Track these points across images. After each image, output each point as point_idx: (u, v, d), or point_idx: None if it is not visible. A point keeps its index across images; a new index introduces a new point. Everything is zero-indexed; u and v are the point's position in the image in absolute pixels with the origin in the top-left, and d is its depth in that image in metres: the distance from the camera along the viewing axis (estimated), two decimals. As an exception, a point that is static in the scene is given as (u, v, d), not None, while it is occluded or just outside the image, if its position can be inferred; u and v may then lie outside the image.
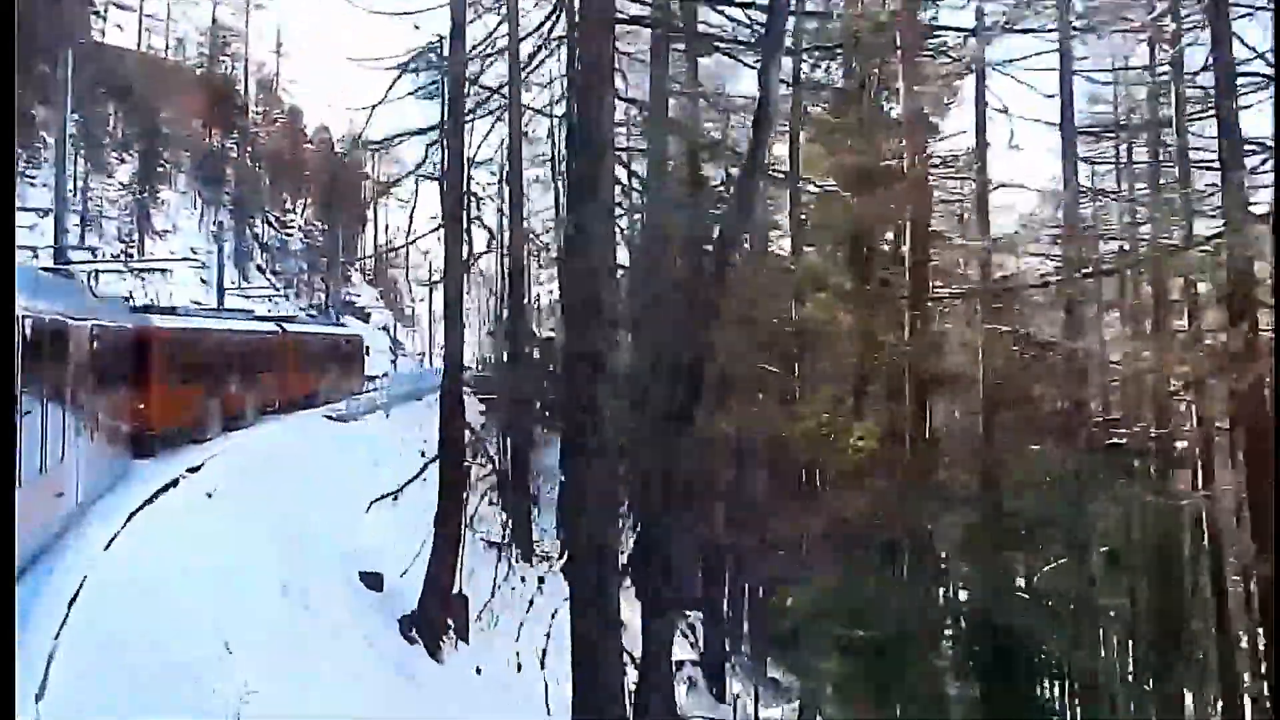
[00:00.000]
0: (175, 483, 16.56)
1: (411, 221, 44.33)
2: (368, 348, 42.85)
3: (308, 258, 68.17)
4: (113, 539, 12.47)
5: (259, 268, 62.75)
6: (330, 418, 30.64)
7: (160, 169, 53.67)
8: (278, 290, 61.75)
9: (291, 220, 70.31)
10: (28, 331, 9.66)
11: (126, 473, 16.53)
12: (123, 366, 16.46)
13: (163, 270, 42.60)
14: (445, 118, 21.08)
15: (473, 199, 30.30)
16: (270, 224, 67.69)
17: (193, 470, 17.87)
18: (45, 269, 15.71)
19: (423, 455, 27.80)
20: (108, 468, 15.08)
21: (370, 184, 77.93)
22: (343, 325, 49.12)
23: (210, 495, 16.33)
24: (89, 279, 21.21)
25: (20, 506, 8.78)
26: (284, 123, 72.00)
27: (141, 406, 18.37)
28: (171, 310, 23.78)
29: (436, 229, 25.65)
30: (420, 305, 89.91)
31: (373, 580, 18.96)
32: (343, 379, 36.63)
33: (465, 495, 21.71)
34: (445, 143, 21.25)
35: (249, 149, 66.26)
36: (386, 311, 78.07)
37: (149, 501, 14.84)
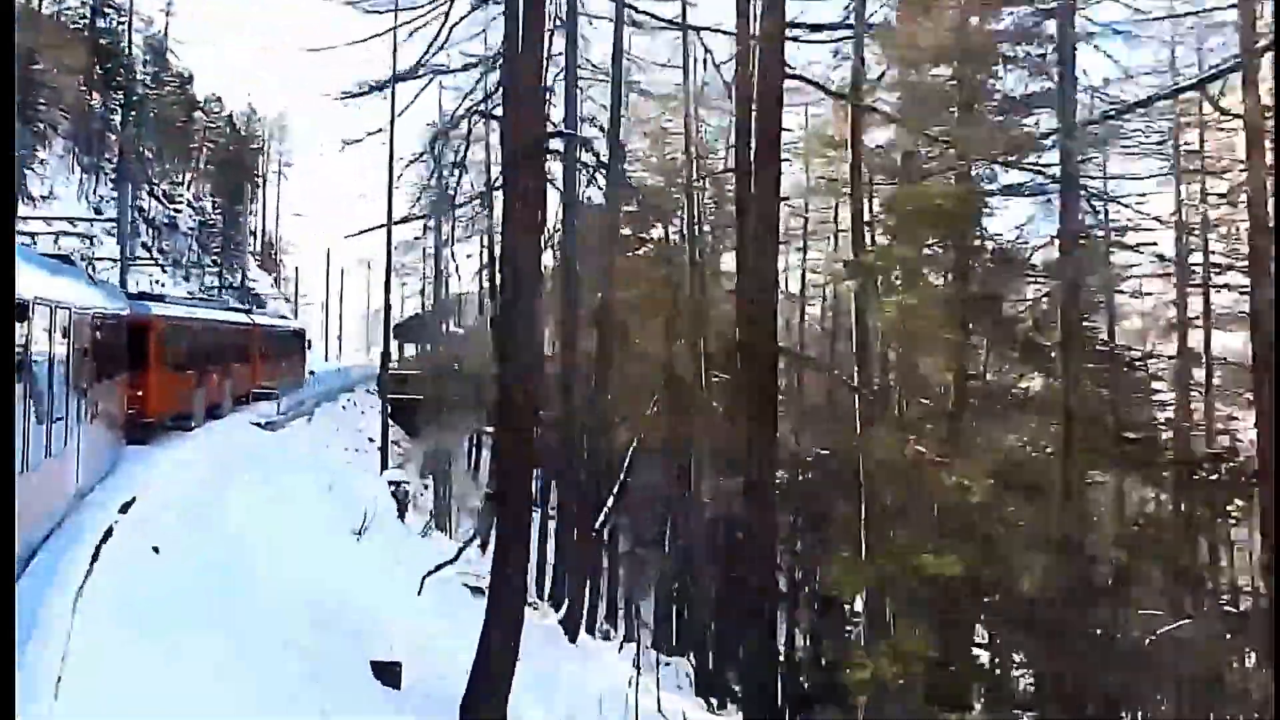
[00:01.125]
0: (110, 532, 12.20)
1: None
2: (310, 341, 43.17)
3: (200, 238, 61.96)
4: (58, 682, 7.46)
5: (144, 245, 56.48)
6: (259, 425, 26.32)
7: (35, 129, 47.33)
8: (165, 271, 55.70)
9: (180, 196, 63.81)
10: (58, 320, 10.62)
11: (120, 458, 16.49)
12: (121, 353, 16.41)
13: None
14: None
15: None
16: (158, 199, 61.14)
17: (124, 510, 13.51)
18: (46, 254, 14.98)
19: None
20: (106, 453, 15.31)
21: (264, 159, 72.41)
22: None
23: (157, 550, 12.17)
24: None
25: (25, 492, 8.90)
26: (174, 88, 65.44)
27: (139, 393, 18.44)
28: (160, 298, 23.64)
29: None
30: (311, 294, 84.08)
31: (389, 675, 13.39)
32: (290, 372, 36.74)
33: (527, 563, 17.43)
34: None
35: (134, 114, 59.71)
36: (284, 301, 72.23)
37: (90, 570, 10.36)
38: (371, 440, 46.19)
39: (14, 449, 8.65)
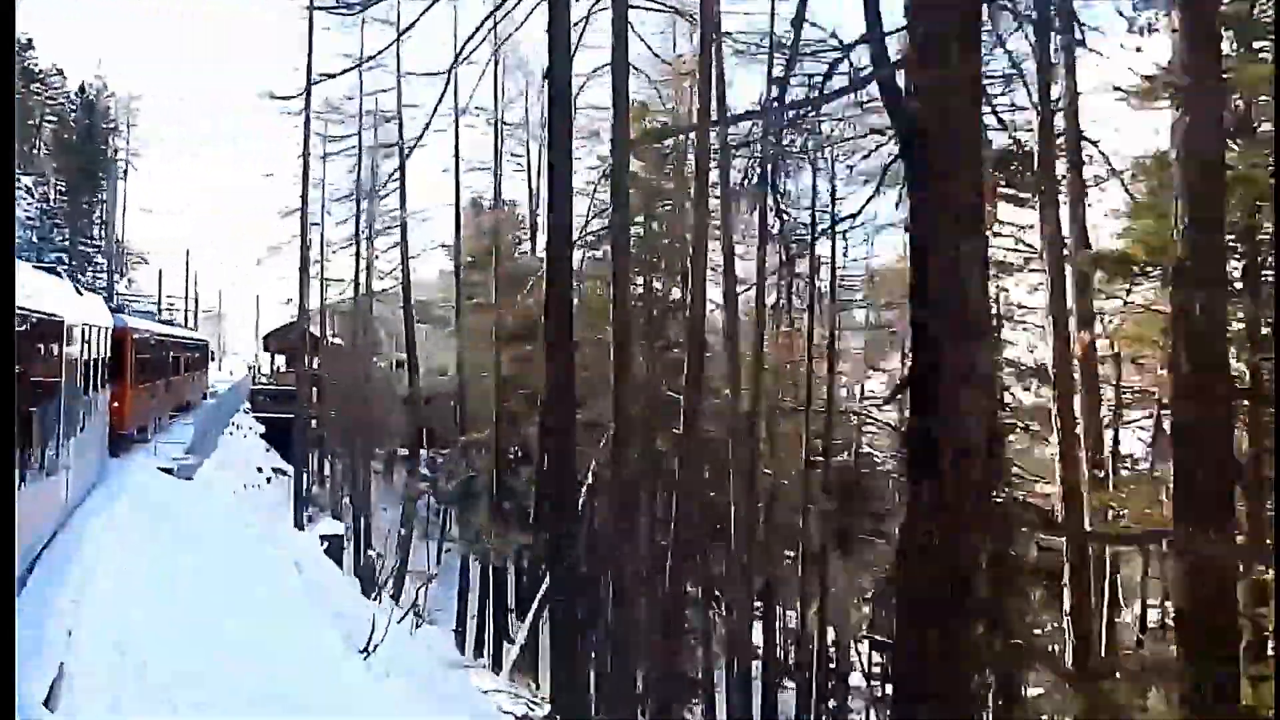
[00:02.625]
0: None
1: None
2: (212, 353, 43.25)
3: (42, 230, 52.82)
4: None
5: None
6: (167, 471, 19.99)
7: None
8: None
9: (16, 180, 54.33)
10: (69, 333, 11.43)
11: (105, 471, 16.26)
12: (103, 367, 15.92)
13: None
14: None
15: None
16: (-13, 183, 51.66)
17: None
18: (37, 266, 14.44)
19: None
20: (93, 467, 15.07)
21: (112, 145, 63.17)
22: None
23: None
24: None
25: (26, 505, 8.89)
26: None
27: (116, 405, 18.21)
28: (120, 310, 23.62)
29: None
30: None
31: None
32: (199, 386, 36.59)
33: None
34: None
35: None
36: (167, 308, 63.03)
37: None
38: (260, 470, 39.36)
39: (14, 449, 8.50)
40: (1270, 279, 12.20)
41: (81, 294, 16.15)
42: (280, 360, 65.60)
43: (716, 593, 32.68)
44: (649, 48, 25.10)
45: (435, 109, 21.06)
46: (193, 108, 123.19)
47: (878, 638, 39.92)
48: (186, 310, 62.37)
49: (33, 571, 10.14)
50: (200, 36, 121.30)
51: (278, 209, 44.67)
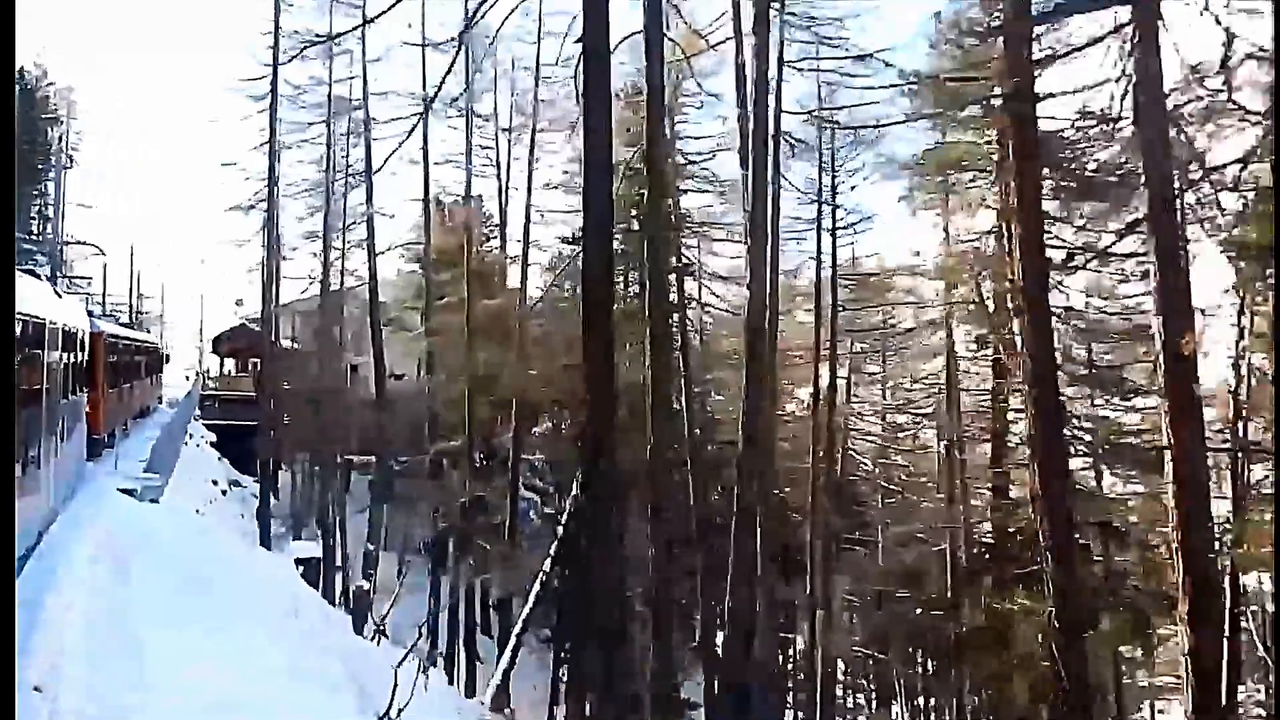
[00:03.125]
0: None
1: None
2: (167, 356, 41.91)
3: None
4: None
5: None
6: (129, 493, 17.77)
7: None
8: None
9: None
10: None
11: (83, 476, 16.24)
12: (80, 371, 15.70)
13: None
14: None
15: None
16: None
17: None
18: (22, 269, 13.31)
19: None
20: (74, 472, 15.21)
21: (55, 135, 59.73)
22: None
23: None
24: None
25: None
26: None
27: (89, 410, 17.84)
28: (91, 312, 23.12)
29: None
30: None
31: None
32: (155, 391, 36.51)
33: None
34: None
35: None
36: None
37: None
38: (216, 483, 36.85)
39: (14, 450, 8.45)
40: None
41: (61, 296, 16.65)
42: (230, 364, 62.64)
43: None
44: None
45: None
46: (140, 96, 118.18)
47: (867, 651, 38.83)
48: (132, 311, 59.27)
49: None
50: (148, 18, 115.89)
51: (228, 204, 42.55)
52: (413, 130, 21.67)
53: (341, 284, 44.55)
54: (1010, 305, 16.29)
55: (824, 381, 35.43)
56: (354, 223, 44.42)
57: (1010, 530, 24.39)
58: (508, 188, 43.86)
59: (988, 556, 28.35)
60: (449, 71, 18.34)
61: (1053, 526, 13.66)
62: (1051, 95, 18.09)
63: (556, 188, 40.93)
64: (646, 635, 22.09)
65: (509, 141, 43.20)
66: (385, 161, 26.10)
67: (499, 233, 47.17)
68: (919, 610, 33.56)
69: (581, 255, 12.65)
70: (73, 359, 13.84)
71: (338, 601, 25.94)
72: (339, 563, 35.52)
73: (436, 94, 18.70)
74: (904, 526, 33.48)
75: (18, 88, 55.40)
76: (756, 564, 21.81)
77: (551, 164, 41.39)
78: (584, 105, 12.32)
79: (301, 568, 21.60)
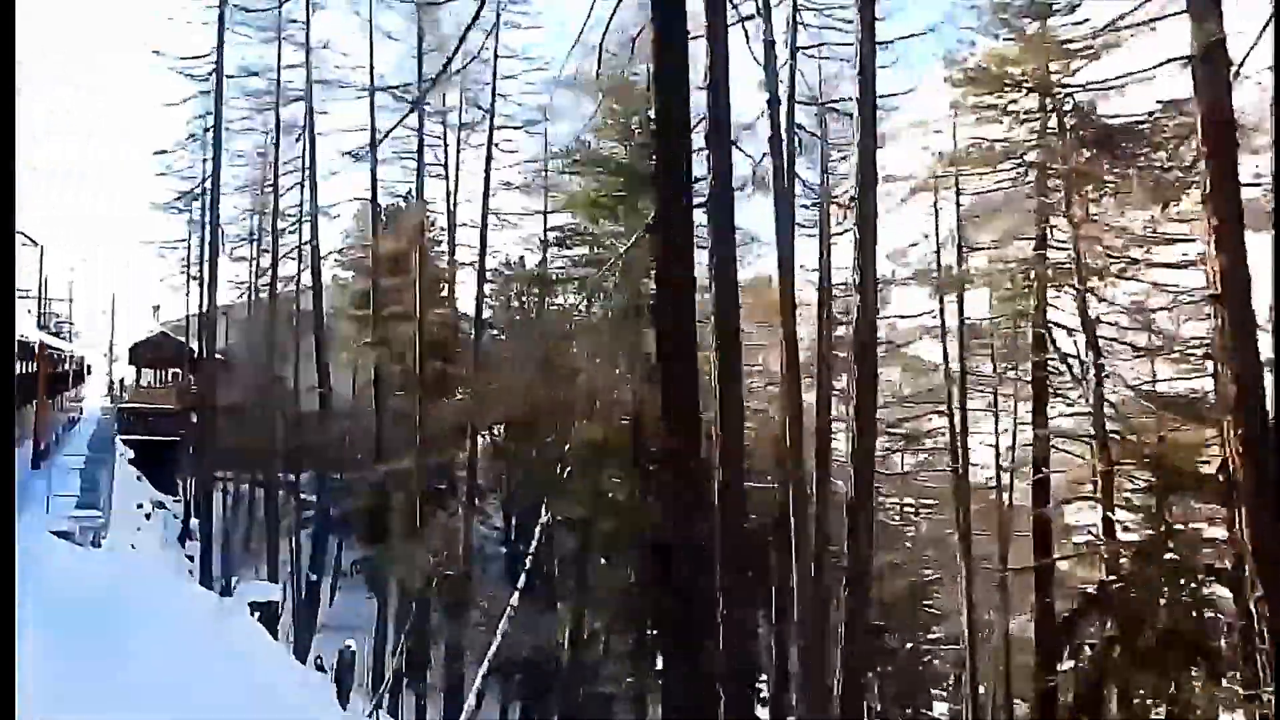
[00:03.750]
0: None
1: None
2: (89, 366, 40.05)
3: None
4: None
5: None
6: (65, 535, 14.66)
7: None
8: None
9: None
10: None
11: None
12: (25, 382, 15.53)
13: None
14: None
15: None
16: None
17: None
18: None
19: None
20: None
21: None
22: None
23: None
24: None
25: None
26: None
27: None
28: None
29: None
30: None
31: None
32: (78, 402, 35.17)
33: None
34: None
35: None
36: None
37: None
38: (140, 506, 33.32)
39: (13, 450, 8.71)
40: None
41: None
42: (149, 375, 58.69)
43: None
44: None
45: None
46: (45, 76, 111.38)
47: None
48: (39, 317, 54.78)
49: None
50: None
51: (152, 201, 39.24)
52: (402, 120, 18.86)
53: (273, 289, 41.18)
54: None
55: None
56: (291, 226, 41.26)
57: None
58: (456, 190, 40.50)
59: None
60: (447, 66, 15.82)
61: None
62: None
63: (516, 189, 38.24)
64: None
65: (457, 140, 39.85)
66: (373, 150, 23.01)
67: (449, 238, 44.17)
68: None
69: (659, 228, 10.20)
70: (21, 369, 12.94)
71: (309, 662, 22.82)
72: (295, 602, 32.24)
73: (433, 85, 15.92)
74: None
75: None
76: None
77: (510, 164, 38.70)
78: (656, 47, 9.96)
79: (257, 613, 18.71)
